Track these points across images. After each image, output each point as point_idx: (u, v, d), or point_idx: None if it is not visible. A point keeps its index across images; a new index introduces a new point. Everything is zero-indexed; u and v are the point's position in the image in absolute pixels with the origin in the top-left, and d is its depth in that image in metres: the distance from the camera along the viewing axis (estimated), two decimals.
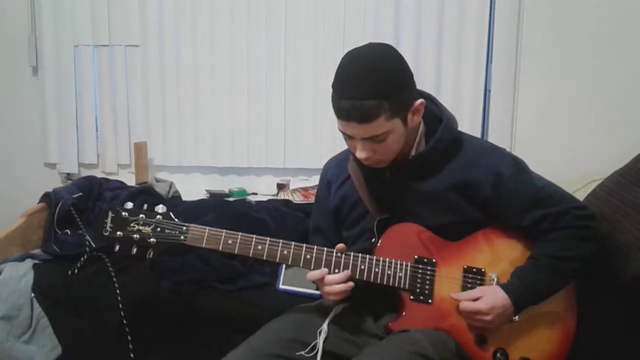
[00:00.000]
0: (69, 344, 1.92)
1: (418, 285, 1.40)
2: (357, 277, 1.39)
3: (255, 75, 2.82)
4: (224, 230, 1.40)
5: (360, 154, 1.34)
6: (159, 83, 2.87)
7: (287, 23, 2.77)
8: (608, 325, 1.50)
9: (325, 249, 1.39)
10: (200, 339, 1.85)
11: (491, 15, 2.67)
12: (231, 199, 2.70)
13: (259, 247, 1.39)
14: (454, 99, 2.69)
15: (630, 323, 1.49)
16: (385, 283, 1.39)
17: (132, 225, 1.39)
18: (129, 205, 1.42)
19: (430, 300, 1.40)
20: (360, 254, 1.39)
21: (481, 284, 1.42)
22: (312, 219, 1.68)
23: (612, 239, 1.53)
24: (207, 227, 1.41)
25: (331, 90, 1.32)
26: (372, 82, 1.25)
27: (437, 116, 1.45)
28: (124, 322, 1.86)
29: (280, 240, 1.40)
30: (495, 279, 1.42)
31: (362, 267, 1.39)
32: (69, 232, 2.28)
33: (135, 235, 1.39)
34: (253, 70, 2.82)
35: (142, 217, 1.40)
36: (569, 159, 2.47)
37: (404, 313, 1.39)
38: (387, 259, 1.40)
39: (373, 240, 1.44)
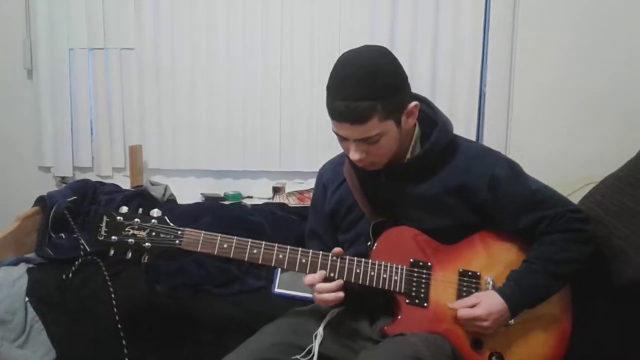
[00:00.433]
0: (63, 348, 1.91)
1: (414, 288, 1.40)
2: (352, 281, 1.39)
3: (251, 79, 2.82)
4: (219, 234, 1.40)
5: (354, 156, 1.34)
6: (154, 86, 2.87)
7: (283, 26, 2.77)
8: (603, 328, 1.51)
9: (321, 252, 1.39)
10: (196, 343, 1.85)
11: (486, 19, 2.68)
12: (226, 203, 2.69)
13: (255, 251, 1.39)
14: (449, 102, 2.70)
15: (626, 326, 1.50)
16: (380, 287, 1.39)
17: (127, 229, 1.39)
18: (124, 209, 1.42)
19: (425, 304, 1.40)
20: (355, 258, 1.39)
21: (476, 287, 1.42)
22: (308, 223, 1.68)
23: (607, 242, 1.54)
24: (203, 231, 1.40)
25: (326, 92, 1.32)
26: (366, 83, 1.26)
27: (432, 119, 1.45)
28: (119, 326, 1.85)
29: (276, 244, 1.40)
30: (491, 282, 1.42)
31: (358, 270, 1.38)
32: (64, 236, 2.27)
33: (130, 240, 1.38)
34: (249, 74, 2.82)
35: (137, 221, 1.39)
36: (564, 162, 2.48)
37: (399, 317, 1.39)
38: (383, 263, 1.40)
39: (369, 243, 1.44)
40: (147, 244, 1.38)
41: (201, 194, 2.86)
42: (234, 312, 1.87)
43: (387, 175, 1.44)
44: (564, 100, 2.54)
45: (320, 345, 1.42)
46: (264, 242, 1.40)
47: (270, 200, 2.78)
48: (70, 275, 1.99)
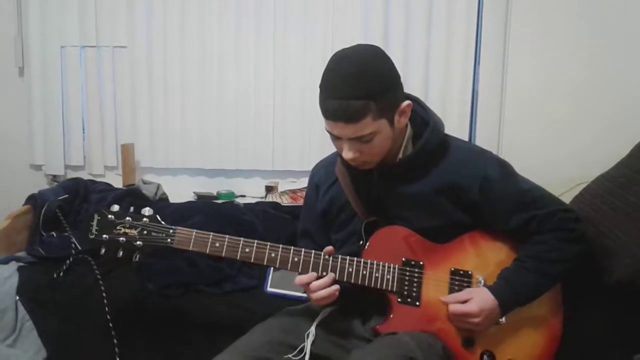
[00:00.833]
0: (53, 347, 1.90)
1: (406, 287, 1.40)
2: (344, 280, 1.39)
3: (243, 77, 2.82)
4: (211, 233, 1.40)
5: (347, 155, 1.34)
6: (146, 84, 2.86)
7: (275, 25, 2.77)
8: (593, 327, 1.52)
9: (313, 251, 1.39)
10: (187, 342, 1.84)
11: (479, 18, 2.68)
12: (219, 202, 2.69)
13: (247, 250, 1.39)
14: (442, 100, 2.70)
15: (616, 325, 1.51)
16: (373, 285, 1.39)
17: (118, 228, 1.39)
18: (115, 207, 1.41)
19: (417, 303, 1.40)
20: (348, 257, 1.40)
21: (468, 287, 1.42)
22: (300, 222, 1.68)
23: (598, 242, 1.55)
24: (194, 230, 1.40)
25: (319, 90, 1.32)
26: (359, 82, 1.26)
27: (424, 119, 1.45)
28: (110, 325, 1.85)
29: (268, 243, 1.40)
30: (482, 281, 1.42)
31: (350, 269, 1.39)
32: (55, 234, 2.26)
33: (121, 238, 1.38)
34: (241, 73, 2.81)
35: (129, 220, 1.39)
36: (555, 162, 2.48)
37: (391, 315, 1.40)
38: (375, 262, 1.40)
39: (361, 243, 1.44)
40: (138, 242, 1.38)
41: (193, 192, 2.85)
42: (226, 311, 1.87)
43: (379, 175, 1.44)
44: (556, 100, 2.55)
45: (313, 344, 1.42)
46: (256, 241, 1.40)
47: (263, 200, 2.78)
48: (61, 274, 1.98)
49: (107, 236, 1.38)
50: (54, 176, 2.97)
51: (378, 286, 1.39)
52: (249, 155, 2.87)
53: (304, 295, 1.79)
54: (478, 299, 1.36)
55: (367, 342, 1.41)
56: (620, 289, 1.49)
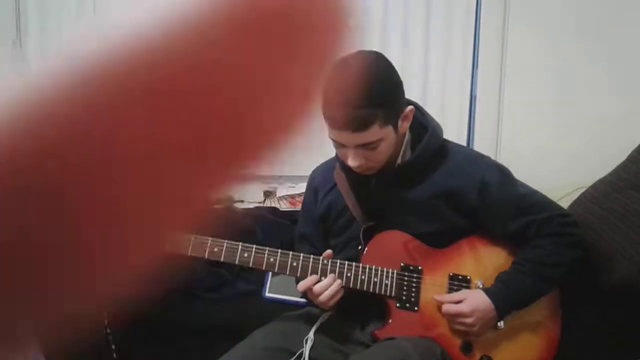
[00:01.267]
0: (50, 352, 1.89)
1: (404, 292, 1.40)
2: (343, 285, 1.39)
3: None
4: (210, 238, 1.40)
5: (353, 162, 1.34)
6: None
7: None
8: (592, 332, 1.51)
9: (312, 256, 1.39)
10: (185, 348, 1.84)
11: (477, 22, 2.69)
12: (217, 207, 2.68)
13: (245, 255, 1.39)
14: (440, 105, 2.70)
15: (614, 330, 1.51)
16: (371, 290, 1.39)
17: None
18: None
19: (416, 308, 1.40)
20: (346, 262, 1.39)
21: None
22: (298, 227, 1.68)
23: (596, 247, 1.55)
24: (193, 235, 1.40)
25: (322, 99, 1.31)
26: (366, 91, 1.26)
27: (422, 124, 1.46)
28: (107, 330, 1.84)
29: (267, 248, 1.39)
30: (481, 286, 1.43)
31: (349, 274, 1.39)
32: None
33: None
34: None
35: None
36: (553, 167, 2.49)
37: (390, 321, 1.40)
38: (374, 267, 1.40)
39: (359, 247, 1.45)
40: None
41: None
42: (224, 316, 1.87)
43: (378, 180, 1.44)
44: (555, 105, 2.56)
45: (311, 350, 1.41)
46: (254, 246, 1.39)
47: (262, 204, 2.78)
48: None
49: None
50: None
51: (377, 291, 1.39)
52: None
53: (303, 300, 1.80)
54: (471, 299, 1.37)
55: (366, 348, 1.41)
56: (618, 293, 1.49)
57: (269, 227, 2.31)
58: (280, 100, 0.22)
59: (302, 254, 1.39)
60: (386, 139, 1.32)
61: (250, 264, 1.39)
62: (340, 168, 1.50)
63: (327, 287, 1.36)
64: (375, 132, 1.29)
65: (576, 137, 2.53)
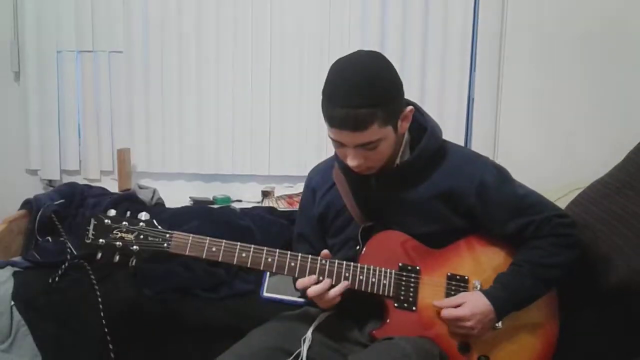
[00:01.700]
0: (49, 353, 1.89)
1: (402, 292, 1.40)
2: (349, 286, 1.38)
3: (240, 82, 2.82)
4: (208, 238, 1.39)
5: (352, 162, 1.34)
6: (142, 89, 2.86)
7: (272, 30, 2.78)
8: (589, 333, 1.52)
9: (310, 256, 1.39)
10: (183, 348, 1.84)
11: (474, 24, 2.70)
12: (215, 206, 2.68)
13: (243, 255, 1.39)
14: (438, 107, 2.71)
15: (611, 330, 1.51)
16: (369, 290, 1.39)
17: (114, 232, 1.38)
18: (112, 212, 1.41)
19: (414, 308, 1.40)
20: (344, 262, 1.39)
21: (464, 292, 1.43)
22: (296, 226, 1.68)
23: (594, 247, 1.55)
24: (191, 235, 1.40)
25: (321, 98, 1.32)
26: (365, 90, 1.26)
27: (421, 125, 1.46)
28: (106, 330, 1.84)
29: (265, 248, 1.39)
30: (479, 286, 1.43)
31: (347, 274, 1.38)
32: (50, 240, 2.25)
33: (117, 243, 1.38)
34: (238, 77, 2.82)
35: (125, 225, 1.39)
36: (551, 167, 2.49)
37: (388, 321, 1.40)
38: (372, 267, 1.40)
39: (357, 247, 1.45)
40: (134, 247, 1.38)
41: (190, 197, 2.85)
42: (222, 316, 1.87)
43: (377, 180, 1.44)
44: (552, 106, 2.56)
45: (309, 349, 1.41)
46: (252, 246, 1.39)
47: (259, 204, 2.78)
48: (57, 279, 1.98)
49: (103, 241, 1.38)
50: (50, 181, 2.96)
51: (374, 291, 1.39)
52: (245, 160, 2.87)
53: (301, 300, 1.80)
54: (471, 302, 1.37)
55: (364, 347, 1.41)
56: (615, 294, 1.49)
57: (266, 227, 2.31)
58: None
59: (300, 254, 1.39)
60: (385, 138, 1.32)
61: (248, 264, 1.39)
62: (339, 168, 1.50)
63: (322, 291, 1.36)
64: (374, 132, 1.29)
65: (573, 137, 2.54)
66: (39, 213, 2.28)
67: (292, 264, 1.39)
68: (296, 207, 2.54)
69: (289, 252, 1.40)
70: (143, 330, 1.87)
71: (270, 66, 2.80)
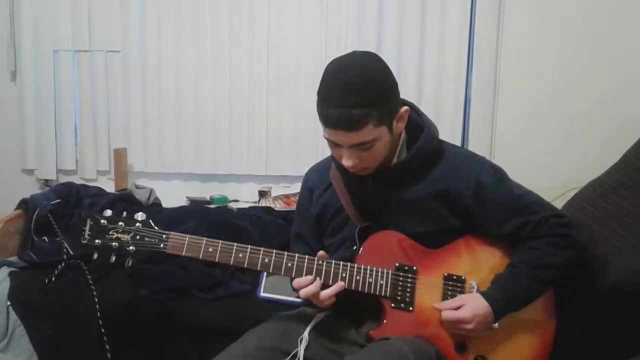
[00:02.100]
0: (45, 353, 1.89)
1: (399, 292, 1.40)
2: (345, 287, 1.38)
3: (237, 82, 2.82)
4: (205, 238, 1.39)
5: (347, 162, 1.34)
6: (139, 89, 2.86)
7: (269, 30, 2.77)
8: (586, 333, 1.52)
9: (307, 256, 1.39)
10: (180, 348, 1.83)
11: (471, 25, 2.70)
12: (212, 206, 2.68)
13: (240, 255, 1.38)
14: (435, 107, 2.71)
15: (608, 330, 1.51)
16: (366, 291, 1.39)
17: (110, 233, 1.38)
18: (108, 212, 1.41)
19: (411, 308, 1.40)
20: (341, 262, 1.39)
21: (461, 292, 1.43)
22: (293, 227, 1.68)
23: (590, 247, 1.55)
24: (188, 235, 1.39)
25: (316, 98, 1.32)
26: (360, 90, 1.26)
27: (418, 124, 1.46)
28: (102, 330, 1.84)
29: (262, 248, 1.39)
30: (476, 286, 1.43)
31: (344, 274, 1.38)
32: (47, 239, 2.25)
33: (114, 243, 1.37)
34: (235, 77, 2.82)
35: (121, 225, 1.38)
36: (547, 167, 2.50)
37: (385, 321, 1.40)
38: (369, 267, 1.40)
39: (354, 248, 1.45)
40: (131, 247, 1.37)
41: (186, 197, 2.84)
42: (219, 317, 1.86)
43: (374, 180, 1.44)
44: (548, 106, 2.57)
45: (306, 349, 1.41)
46: (249, 246, 1.39)
47: (256, 204, 2.77)
48: (53, 279, 1.97)
49: (99, 241, 1.37)
50: (46, 180, 2.96)
51: (371, 291, 1.39)
52: (242, 160, 2.87)
53: (297, 300, 1.80)
54: (471, 305, 1.37)
55: (361, 348, 1.41)
56: (612, 294, 1.49)
57: (263, 227, 2.31)
58: None
59: (297, 254, 1.39)
60: (380, 139, 1.32)
61: (245, 264, 1.38)
62: (336, 168, 1.50)
63: (316, 292, 1.36)
64: (369, 132, 1.29)
65: (570, 137, 2.54)
66: (36, 213, 2.28)
67: (289, 265, 1.39)
68: (293, 207, 2.54)
69: (285, 253, 1.40)
70: (139, 331, 1.86)
71: (267, 66, 2.80)
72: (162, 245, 1.38)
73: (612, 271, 1.48)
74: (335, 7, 2.73)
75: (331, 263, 1.39)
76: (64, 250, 2.12)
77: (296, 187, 2.80)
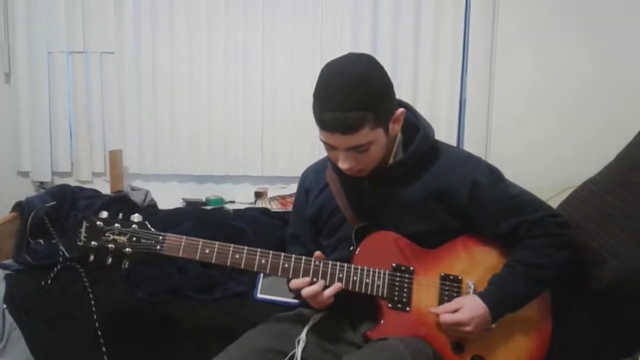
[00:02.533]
0: (41, 355, 1.88)
1: (396, 293, 1.41)
2: (342, 287, 1.38)
3: (232, 83, 2.82)
4: (201, 240, 1.39)
5: (343, 165, 1.35)
6: (134, 90, 2.85)
7: (264, 31, 2.78)
8: (582, 332, 1.52)
9: (303, 257, 1.39)
10: (177, 350, 1.83)
11: (466, 26, 2.71)
12: (208, 208, 2.68)
13: (237, 256, 1.38)
14: (430, 108, 2.72)
15: (604, 329, 1.52)
16: (363, 291, 1.39)
17: (107, 234, 1.38)
18: (104, 214, 1.40)
19: (408, 308, 1.40)
20: (338, 263, 1.39)
21: (458, 292, 1.43)
22: (290, 227, 1.68)
23: (586, 247, 1.56)
24: (184, 237, 1.39)
25: (312, 100, 1.32)
26: (356, 94, 1.26)
27: (414, 125, 1.46)
28: (99, 333, 1.83)
29: (258, 249, 1.39)
30: (472, 286, 1.43)
31: (341, 275, 1.38)
32: (42, 242, 2.24)
33: (110, 245, 1.37)
34: (230, 78, 2.81)
35: (117, 227, 1.38)
36: (543, 167, 2.51)
37: (382, 321, 1.40)
38: (365, 267, 1.40)
39: (351, 248, 1.45)
40: (127, 249, 1.37)
41: (182, 199, 2.84)
42: (216, 318, 1.86)
43: (370, 180, 1.44)
44: (543, 106, 2.58)
45: (303, 350, 1.41)
46: (246, 247, 1.39)
47: (253, 205, 2.77)
48: (49, 281, 1.96)
49: (95, 243, 1.37)
50: (41, 183, 2.95)
51: (368, 292, 1.39)
52: (238, 161, 2.87)
53: (294, 301, 1.80)
54: (468, 307, 1.37)
55: (358, 348, 1.41)
56: (608, 293, 1.50)
57: (260, 228, 2.31)
58: None
59: (293, 255, 1.39)
60: (376, 141, 1.32)
61: (242, 265, 1.38)
62: (333, 169, 1.50)
63: (315, 292, 1.36)
64: (365, 135, 1.29)
65: (564, 137, 2.55)
66: (31, 215, 2.27)
67: (286, 265, 1.38)
68: (289, 207, 2.54)
69: (282, 254, 1.39)
70: (136, 333, 1.86)
71: (262, 67, 2.80)
72: (158, 246, 1.38)
73: (608, 270, 1.48)
74: (330, 7, 2.73)
75: (328, 264, 1.39)
76: (60, 252, 2.11)
77: (292, 188, 2.80)
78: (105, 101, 2.90)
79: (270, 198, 2.83)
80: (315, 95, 1.31)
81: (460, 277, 1.44)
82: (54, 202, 2.38)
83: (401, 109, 1.37)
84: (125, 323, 1.87)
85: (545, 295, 1.48)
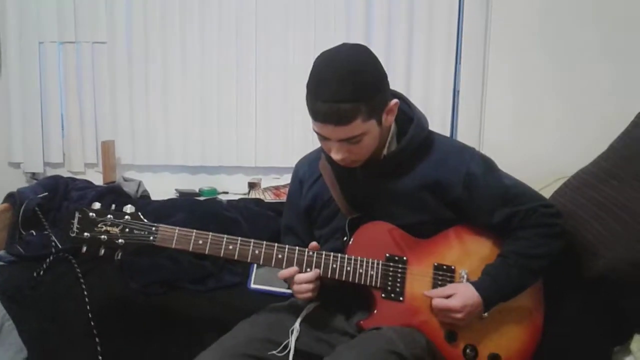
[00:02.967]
0: (34, 347, 1.87)
1: (389, 283, 1.41)
2: (329, 276, 1.39)
3: (225, 73, 2.80)
4: (194, 231, 1.39)
5: (336, 156, 1.34)
6: (126, 80, 2.83)
7: (257, 21, 2.76)
8: (574, 321, 1.53)
9: (297, 248, 1.39)
10: (171, 341, 1.83)
11: (460, 17, 2.70)
12: (201, 199, 2.67)
13: (230, 247, 1.38)
14: (424, 99, 2.71)
15: (596, 318, 1.53)
16: (357, 281, 1.40)
17: (99, 225, 1.37)
18: (97, 205, 1.40)
19: (401, 298, 1.41)
20: (332, 253, 1.40)
21: (451, 281, 1.44)
22: (283, 218, 1.68)
23: (578, 237, 1.56)
24: (177, 228, 1.39)
25: (305, 91, 1.31)
26: (349, 85, 1.25)
27: (408, 116, 1.46)
28: (92, 324, 1.83)
29: (252, 240, 1.39)
30: (465, 276, 1.44)
31: (334, 265, 1.39)
32: (34, 233, 2.23)
33: (102, 236, 1.37)
34: (223, 68, 2.80)
35: (110, 218, 1.38)
36: (536, 157, 2.51)
37: (375, 311, 1.40)
38: (359, 258, 1.40)
39: (345, 239, 1.45)
40: (120, 240, 1.37)
41: (175, 189, 2.83)
42: (210, 309, 1.86)
43: (363, 171, 1.44)
44: (537, 96, 2.58)
45: (297, 340, 1.42)
46: (239, 238, 1.39)
47: (246, 196, 2.77)
48: (42, 272, 1.96)
49: (88, 234, 1.37)
50: (33, 174, 2.93)
51: (362, 282, 1.40)
52: (232, 151, 2.86)
53: (288, 291, 1.80)
54: (462, 294, 1.38)
55: (351, 338, 1.41)
56: (600, 282, 1.51)
57: (253, 219, 2.31)
58: None
59: (287, 246, 1.39)
60: (369, 132, 1.32)
61: (235, 256, 1.38)
62: (326, 159, 1.50)
63: (307, 281, 1.37)
64: (358, 126, 1.28)
65: (557, 128, 2.55)
66: (23, 206, 2.26)
67: (280, 256, 1.39)
68: (283, 198, 2.54)
69: (276, 244, 1.40)
70: (130, 324, 1.86)
71: (255, 57, 2.78)
72: (151, 237, 1.38)
73: (600, 259, 1.49)
74: (323, 0, 2.71)
75: (321, 254, 1.39)
76: (52, 243, 2.11)
77: (286, 179, 2.80)
78: (97, 92, 2.87)
79: (264, 189, 2.82)
80: (308, 86, 1.31)
81: (453, 267, 1.45)
82: (46, 193, 2.37)
83: (395, 100, 1.37)
84: (118, 314, 1.87)
85: (538, 285, 1.49)
